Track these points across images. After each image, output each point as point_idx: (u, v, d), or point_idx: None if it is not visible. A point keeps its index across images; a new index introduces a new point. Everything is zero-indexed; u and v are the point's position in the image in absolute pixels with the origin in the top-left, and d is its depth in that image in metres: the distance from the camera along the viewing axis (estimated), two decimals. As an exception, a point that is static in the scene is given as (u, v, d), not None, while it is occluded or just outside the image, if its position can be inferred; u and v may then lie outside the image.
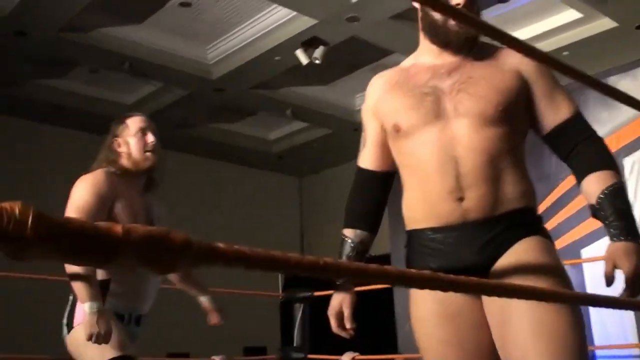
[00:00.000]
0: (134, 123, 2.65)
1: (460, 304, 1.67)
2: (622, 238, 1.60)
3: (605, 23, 6.36)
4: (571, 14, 6.39)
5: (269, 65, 7.01)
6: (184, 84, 7.39)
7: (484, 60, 1.80)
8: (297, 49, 6.48)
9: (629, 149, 5.20)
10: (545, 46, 6.81)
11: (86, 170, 2.58)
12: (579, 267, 5.47)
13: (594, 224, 5.40)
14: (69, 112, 7.93)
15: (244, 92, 7.67)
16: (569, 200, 5.54)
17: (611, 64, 5.95)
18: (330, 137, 9.21)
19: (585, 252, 5.44)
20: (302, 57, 6.48)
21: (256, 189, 9.83)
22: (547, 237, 1.75)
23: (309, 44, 6.47)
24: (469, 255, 1.67)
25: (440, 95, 1.74)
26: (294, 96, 8.09)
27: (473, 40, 1.80)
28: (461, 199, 1.69)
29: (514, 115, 1.74)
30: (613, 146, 5.23)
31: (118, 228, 0.57)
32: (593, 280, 5.39)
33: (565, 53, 6.82)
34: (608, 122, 5.38)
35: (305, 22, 6.24)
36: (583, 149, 1.75)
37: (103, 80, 7.47)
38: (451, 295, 1.63)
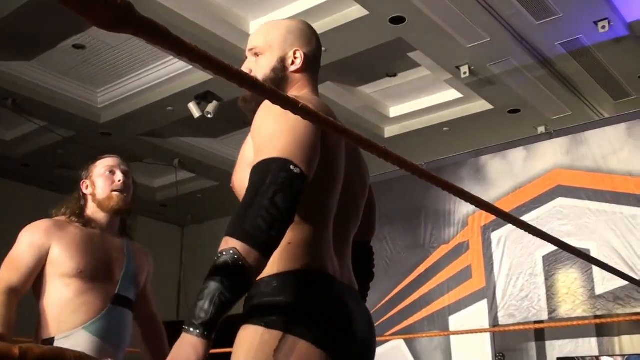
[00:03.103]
0: (103, 163, 2.54)
1: None
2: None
3: (482, 105, 6.84)
4: (452, 94, 6.83)
5: (160, 114, 6.99)
6: (69, 124, 7.22)
7: None
8: (190, 101, 6.52)
9: (496, 225, 5.57)
10: (427, 120, 7.24)
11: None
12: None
13: (461, 292, 5.71)
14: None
15: (132, 138, 7.58)
16: (440, 269, 5.82)
17: (486, 141, 6.40)
18: (216, 189, 9.22)
19: (453, 319, 5.71)
20: (195, 110, 6.51)
21: (137, 236, 9.61)
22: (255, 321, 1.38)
23: (203, 97, 6.53)
24: None
25: None
26: (183, 146, 8.08)
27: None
28: None
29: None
30: (483, 220, 5.60)
31: (15, 349, 0.59)
32: (457, 346, 5.66)
33: (445, 128, 7.25)
34: (480, 197, 5.74)
35: (200, 77, 6.31)
36: None
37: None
38: None
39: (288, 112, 1.12)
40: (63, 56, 6.29)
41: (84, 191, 2.52)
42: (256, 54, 1.67)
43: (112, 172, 2.52)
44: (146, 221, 10.25)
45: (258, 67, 1.65)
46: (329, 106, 1.69)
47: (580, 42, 5.65)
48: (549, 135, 5.69)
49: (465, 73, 6.02)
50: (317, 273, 1.45)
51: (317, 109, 1.16)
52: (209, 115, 6.55)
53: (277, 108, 1.10)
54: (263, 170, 1.32)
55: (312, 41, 1.69)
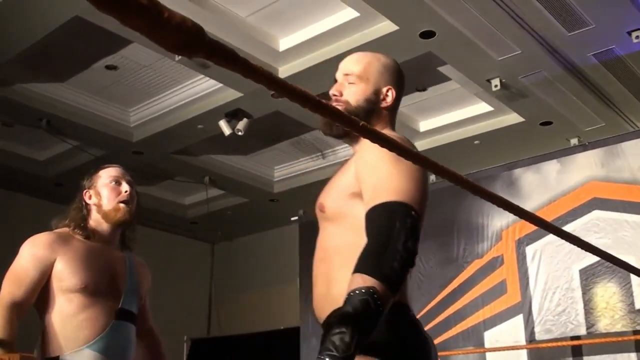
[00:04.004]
0: (107, 173, 2.48)
1: None
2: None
3: (513, 118, 6.78)
4: (483, 107, 6.79)
5: (190, 132, 7.05)
6: (102, 144, 7.31)
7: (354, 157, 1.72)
8: (220, 119, 6.57)
9: (530, 239, 5.49)
10: (458, 134, 7.19)
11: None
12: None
13: (496, 307, 5.64)
14: (-23, 164, 7.68)
15: (163, 156, 7.65)
16: (474, 284, 5.75)
17: (518, 155, 6.33)
18: (246, 205, 9.25)
19: (488, 335, 5.64)
20: (225, 128, 6.56)
21: (167, 253, 9.66)
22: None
23: (233, 115, 6.57)
24: None
25: None
26: (213, 164, 8.14)
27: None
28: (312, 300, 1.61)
29: (345, 211, 1.58)
30: (517, 234, 5.53)
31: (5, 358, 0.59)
32: (494, 363, 5.57)
33: (476, 142, 7.20)
34: (513, 211, 5.68)
35: (231, 95, 6.36)
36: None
37: (17, 134, 7.30)
38: None
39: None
40: (96, 77, 6.39)
41: (87, 201, 2.45)
42: (350, 80, 1.71)
43: (117, 183, 2.46)
44: (177, 238, 10.33)
45: (351, 93, 1.69)
46: None
47: (613, 52, 5.58)
48: (583, 147, 5.61)
49: (496, 86, 5.98)
50: (403, 306, 1.54)
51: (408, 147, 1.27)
52: (240, 133, 6.59)
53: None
54: (390, 214, 1.40)
55: (402, 82, 1.78)
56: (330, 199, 1.63)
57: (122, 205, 2.43)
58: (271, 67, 5.75)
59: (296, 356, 6.95)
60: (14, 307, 2.21)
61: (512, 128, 6.90)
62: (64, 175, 8.08)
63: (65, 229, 2.42)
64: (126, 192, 2.44)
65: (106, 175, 2.47)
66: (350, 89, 1.69)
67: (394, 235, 1.35)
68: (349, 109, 1.63)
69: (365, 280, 1.30)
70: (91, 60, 6.13)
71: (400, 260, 1.33)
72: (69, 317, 2.25)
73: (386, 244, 1.34)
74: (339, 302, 1.34)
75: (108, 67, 6.22)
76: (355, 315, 1.25)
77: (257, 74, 0.69)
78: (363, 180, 1.52)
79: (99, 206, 2.43)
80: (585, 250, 1.85)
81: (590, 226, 5.24)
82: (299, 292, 7.24)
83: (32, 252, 2.30)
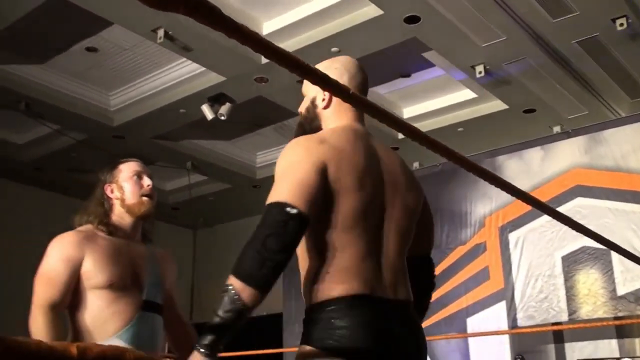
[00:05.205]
0: (129, 167, 2.50)
1: None
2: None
3: (496, 105, 6.78)
4: (467, 94, 6.77)
5: (172, 116, 6.97)
6: (82, 128, 7.21)
7: None
8: (203, 103, 6.49)
9: (514, 225, 5.50)
10: (442, 121, 7.17)
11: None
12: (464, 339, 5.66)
13: (479, 294, 5.65)
14: (-46, 147, 7.55)
15: (145, 141, 7.57)
16: (457, 270, 5.76)
17: (501, 142, 6.34)
18: (229, 191, 9.19)
19: (471, 321, 5.65)
20: (208, 112, 6.49)
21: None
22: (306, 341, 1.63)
23: (216, 99, 6.50)
24: None
25: None
26: (195, 149, 8.06)
27: None
28: None
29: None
30: (500, 221, 5.54)
31: (73, 348, 0.57)
32: (476, 348, 5.59)
33: (460, 129, 7.20)
34: (496, 198, 5.68)
35: (214, 79, 6.28)
36: None
37: (-4, 117, 7.18)
38: None
39: (294, 154, 1.63)
40: (75, 59, 6.28)
41: (109, 195, 2.47)
42: (304, 97, 2.00)
43: (139, 177, 2.49)
44: (158, 224, 10.18)
45: (301, 108, 1.98)
46: None
47: (597, 40, 5.58)
48: (566, 135, 5.62)
49: (480, 72, 5.97)
50: (357, 297, 1.63)
51: (339, 140, 1.71)
52: (222, 118, 6.53)
53: (289, 147, 1.65)
54: (264, 215, 1.56)
55: (344, 77, 1.90)
56: None
57: (145, 198, 2.47)
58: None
59: (279, 342, 6.93)
60: (54, 309, 2.25)
61: (496, 115, 6.90)
62: (43, 159, 7.98)
63: (89, 226, 2.43)
64: (148, 185, 2.48)
65: (128, 169, 2.50)
66: (302, 104, 1.98)
67: (257, 234, 1.53)
68: (300, 120, 1.96)
69: (229, 279, 1.52)
70: (71, 42, 6.02)
71: (256, 258, 1.50)
72: (98, 312, 2.30)
73: (249, 243, 1.52)
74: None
75: (88, 49, 6.11)
76: (216, 310, 1.50)
77: (240, 33, 0.64)
78: None
79: (122, 200, 2.45)
80: (581, 233, 1.85)
81: (573, 213, 5.25)
82: (281, 278, 7.21)
83: (61, 252, 2.30)
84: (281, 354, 6.81)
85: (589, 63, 5.96)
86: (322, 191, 1.62)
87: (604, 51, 5.76)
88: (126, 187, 2.46)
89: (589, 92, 6.46)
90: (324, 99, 1.91)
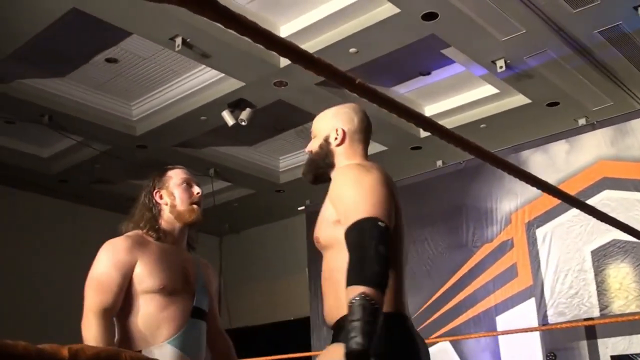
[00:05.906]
0: (178, 174, 2.54)
1: None
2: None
3: (519, 99, 6.69)
4: (488, 89, 6.70)
5: (194, 124, 6.99)
6: (105, 139, 7.26)
7: None
8: (223, 110, 6.50)
9: (541, 221, 5.41)
10: (464, 118, 7.10)
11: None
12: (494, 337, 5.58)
13: (507, 291, 5.57)
14: (-19, 162, 7.64)
15: (167, 149, 7.60)
16: (485, 268, 5.68)
17: (524, 138, 6.24)
18: (253, 197, 9.20)
19: (500, 319, 5.57)
20: (229, 118, 6.49)
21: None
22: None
23: (236, 105, 6.51)
24: None
25: None
26: (218, 155, 8.08)
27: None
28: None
29: (334, 238, 1.94)
30: (527, 217, 5.45)
31: (64, 351, 0.56)
32: (506, 347, 5.51)
33: (482, 125, 7.12)
34: (521, 194, 5.60)
35: (233, 84, 6.29)
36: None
37: (19, 132, 7.24)
38: None
39: (362, 178, 1.88)
40: (96, 71, 6.33)
41: (159, 200, 2.49)
42: (312, 137, 2.20)
43: (189, 185, 2.54)
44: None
45: (311, 145, 2.17)
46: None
47: (619, 29, 5.48)
48: (591, 127, 5.51)
49: (501, 67, 5.89)
50: (398, 315, 1.85)
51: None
52: (243, 123, 6.53)
53: (351, 176, 1.91)
54: (360, 230, 1.75)
55: (354, 119, 2.13)
56: (321, 231, 2.01)
57: (195, 206, 2.50)
58: (272, 55, 5.67)
59: (307, 346, 6.91)
60: (106, 314, 2.26)
61: (519, 110, 6.81)
62: (67, 171, 8.04)
63: (137, 232, 2.45)
64: (198, 194, 2.53)
65: (177, 177, 2.54)
66: (312, 143, 2.18)
67: (367, 246, 1.69)
68: (311, 157, 2.17)
69: (356, 290, 1.62)
70: (91, 54, 6.07)
71: (377, 263, 1.66)
72: (150, 317, 2.30)
73: (363, 254, 1.68)
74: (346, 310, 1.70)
75: (108, 60, 6.16)
76: (359, 320, 1.57)
77: (238, 23, 0.62)
78: (337, 208, 1.92)
79: (172, 206, 2.48)
80: (611, 225, 1.84)
81: (601, 206, 5.13)
82: (308, 281, 7.19)
83: (113, 257, 2.32)
84: (309, 357, 6.78)
85: (612, 52, 5.86)
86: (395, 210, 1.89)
87: (626, 40, 5.66)
88: (177, 193, 2.50)
89: (612, 82, 6.35)
90: (336, 138, 2.11)
